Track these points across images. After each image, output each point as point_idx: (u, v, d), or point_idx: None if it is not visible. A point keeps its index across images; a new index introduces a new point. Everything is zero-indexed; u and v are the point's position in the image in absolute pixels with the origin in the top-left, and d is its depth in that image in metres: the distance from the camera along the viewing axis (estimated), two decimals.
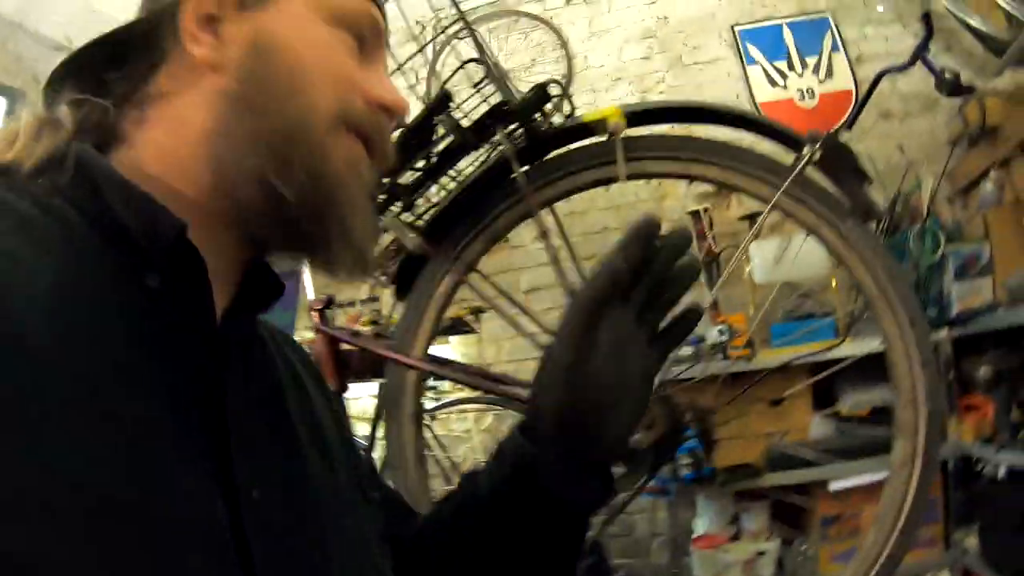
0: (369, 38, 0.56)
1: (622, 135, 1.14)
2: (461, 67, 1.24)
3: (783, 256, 2.48)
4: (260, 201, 0.50)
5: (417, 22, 3.93)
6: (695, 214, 2.71)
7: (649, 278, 0.51)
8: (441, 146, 1.26)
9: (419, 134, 1.24)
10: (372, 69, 0.56)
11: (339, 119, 0.52)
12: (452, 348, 3.12)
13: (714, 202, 2.73)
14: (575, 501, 0.55)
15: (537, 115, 1.23)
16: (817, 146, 0.96)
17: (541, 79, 3.41)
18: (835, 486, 2.07)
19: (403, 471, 1.19)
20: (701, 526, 2.37)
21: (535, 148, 1.23)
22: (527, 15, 3.47)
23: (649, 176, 1.15)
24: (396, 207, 1.29)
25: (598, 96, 3.21)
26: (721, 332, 2.43)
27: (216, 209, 0.51)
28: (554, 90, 1.24)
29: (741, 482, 2.24)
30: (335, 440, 0.59)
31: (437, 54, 3.79)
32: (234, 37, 0.51)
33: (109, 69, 0.52)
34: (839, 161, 0.98)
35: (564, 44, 3.31)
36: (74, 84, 0.52)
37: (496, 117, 1.22)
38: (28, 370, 0.36)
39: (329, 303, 1.46)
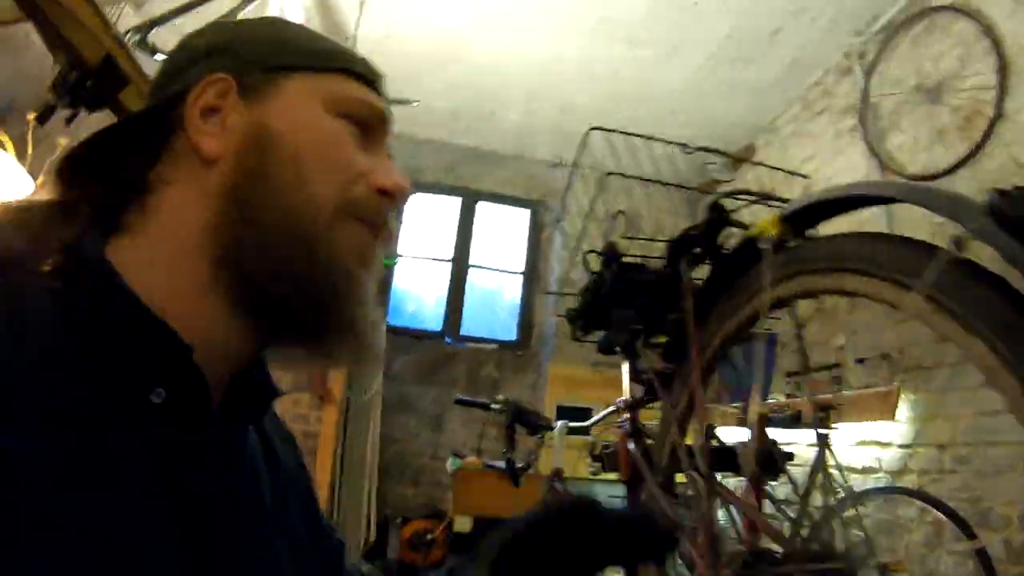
0: (372, 125, 0.58)
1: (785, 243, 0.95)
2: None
3: None
4: (259, 295, 0.51)
5: (845, 54, 3.65)
6: None
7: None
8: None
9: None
10: (375, 155, 0.57)
11: (343, 209, 0.53)
12: None
13: None
14: None
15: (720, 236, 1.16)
16: (960, 237, 0.65)
17: (974, 82, 2.86)
18: None
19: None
20: None
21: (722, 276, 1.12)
22: (943, 8, 2.99)
23: (788, 302, 1.05)
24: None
25: None
26: None
27: (212, 304, 0.51)
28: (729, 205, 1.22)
29: None
30: (302, 523, 0.62)
31: (867, 82, 3.48)
32: (236, 129, 0.52)
33: (116, 157, 0.53)
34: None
35: (989, 30, 2.75)
36: (84, 170, 0.53)
37: (679, 245, 1.17)
38: (24, 481, 0.39)
39: (636, 404, 1.65)
